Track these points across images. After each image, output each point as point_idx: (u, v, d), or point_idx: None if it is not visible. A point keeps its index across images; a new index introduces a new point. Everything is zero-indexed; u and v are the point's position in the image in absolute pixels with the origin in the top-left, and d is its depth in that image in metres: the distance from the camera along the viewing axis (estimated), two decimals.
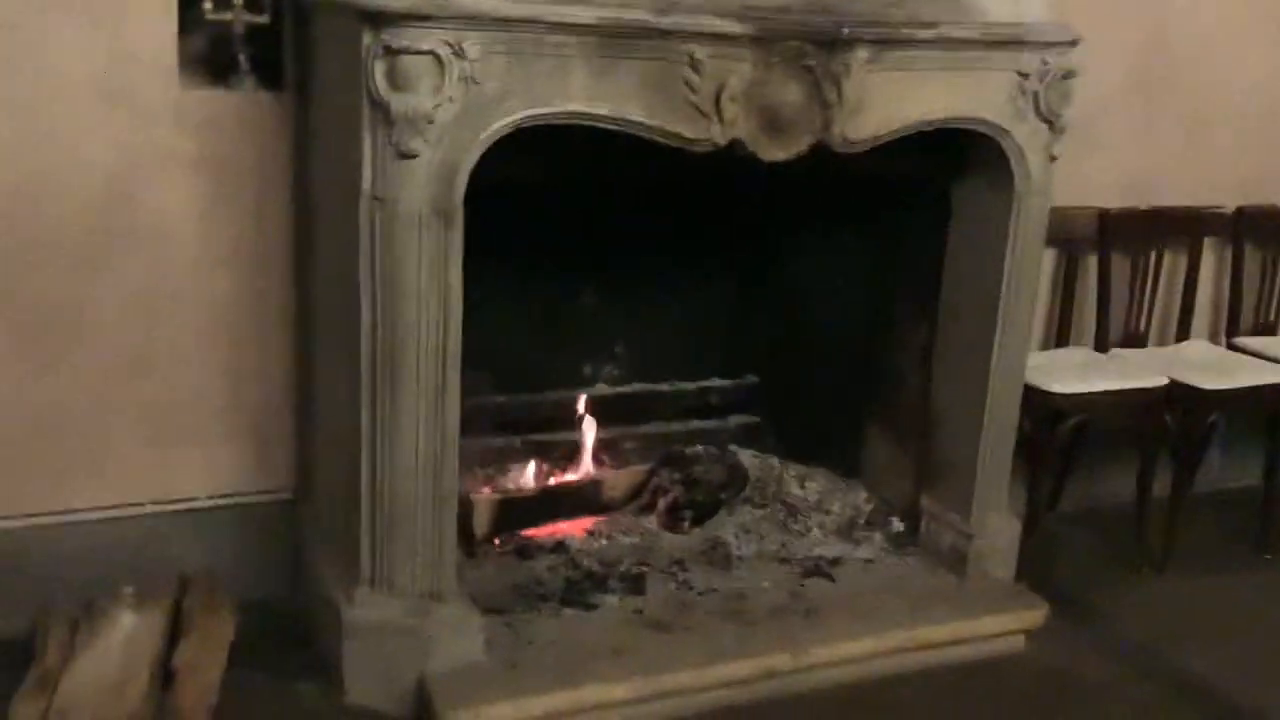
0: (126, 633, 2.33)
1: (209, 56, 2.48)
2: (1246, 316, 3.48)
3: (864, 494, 3.08)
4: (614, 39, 2.27)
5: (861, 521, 3.01)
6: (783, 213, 3.03)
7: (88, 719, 2.14)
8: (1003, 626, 2.74)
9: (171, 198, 2.48)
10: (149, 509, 2.58)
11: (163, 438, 2.57)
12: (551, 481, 3.04)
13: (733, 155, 2.42)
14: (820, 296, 3.18)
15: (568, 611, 2.60)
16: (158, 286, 2.50)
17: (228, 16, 2.46)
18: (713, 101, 2.36)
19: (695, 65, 2.33)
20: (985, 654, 2.70)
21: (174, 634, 2.39)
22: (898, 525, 2.99)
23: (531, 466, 3.04)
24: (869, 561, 2.89)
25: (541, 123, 2.27)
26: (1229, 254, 3.46)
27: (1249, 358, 3.32)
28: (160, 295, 2.51)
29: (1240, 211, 3.42)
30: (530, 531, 2.88)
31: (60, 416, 2.48)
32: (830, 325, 3.16)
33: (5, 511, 2.46)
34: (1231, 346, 3.42)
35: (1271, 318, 3.51)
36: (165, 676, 2.28)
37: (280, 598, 2.64)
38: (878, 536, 2.98)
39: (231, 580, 2.56)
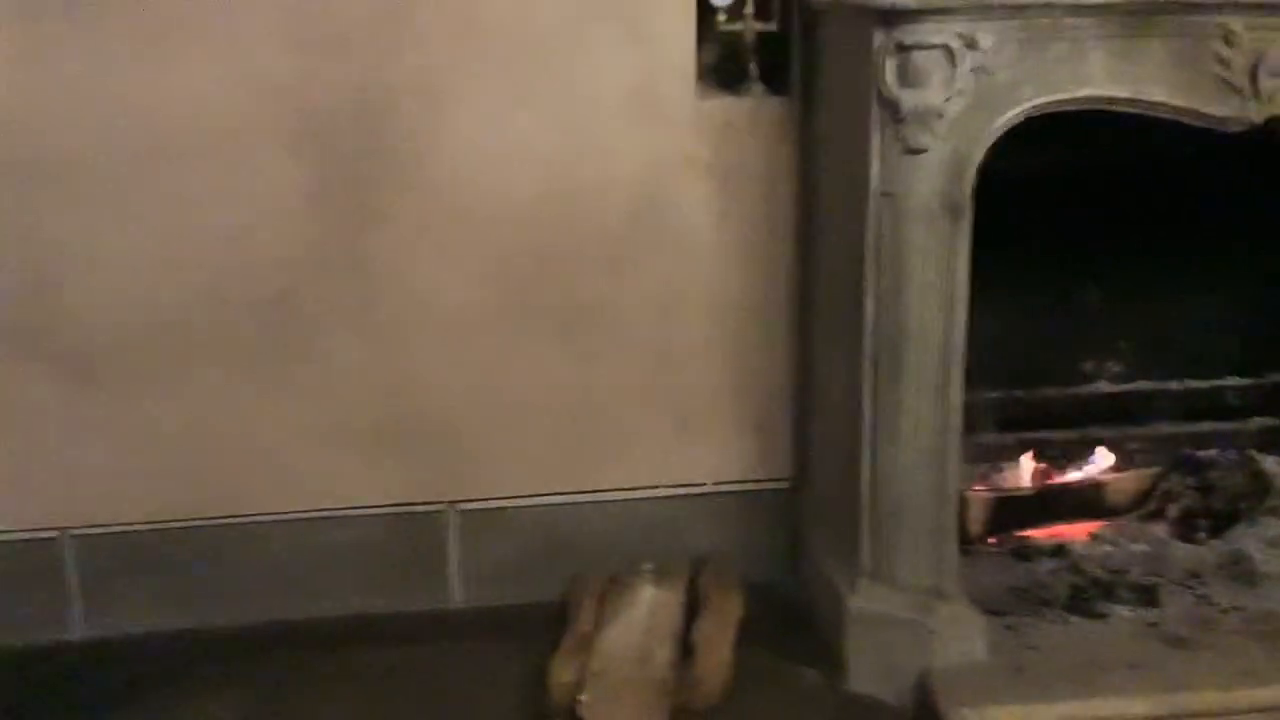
0: (649, 605, 2.52)
1: (721, 66, 2.62)
2: None
3: None
4: (1137, 18, 2.15)
5: None
6: None
7: (618, 681, 2.33)
8: None
9: (688, 202, 2.63)
10: (664, 492, 2.76)
11: (677, 427, 2.75)
12: (1050, 481, 2.93)
13: (1269, 135, 2.23)
14: None
15: (1074, 619, 2.49)
16: (675, 285, 2.67)
17: (739, 27, 2.58)
18: (1248, 77, 2.18)
19: (1230, 39, 2.16)
20: None
21: (689, 609, 2.55)
22: None
23: (1029, 464, 2.94)
24: None
25: (1055, 110, 2.20)
26: None
27: None
28: (677, 293, 2.68)
29: None
30: (1027, 532, 2.80)
31: (592, 403, 2.71)
32: None
33: (546, 489, 2.73)
34: None
35: None
36: (684, 648, 2.43)
37: (780, 581, 2.75)
38: None
39: (738, 561, 2.70)
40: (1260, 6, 2.16)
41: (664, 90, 2.57)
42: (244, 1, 2.46)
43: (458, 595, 2.75)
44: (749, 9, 2.56)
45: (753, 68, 2.61)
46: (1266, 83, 2.19)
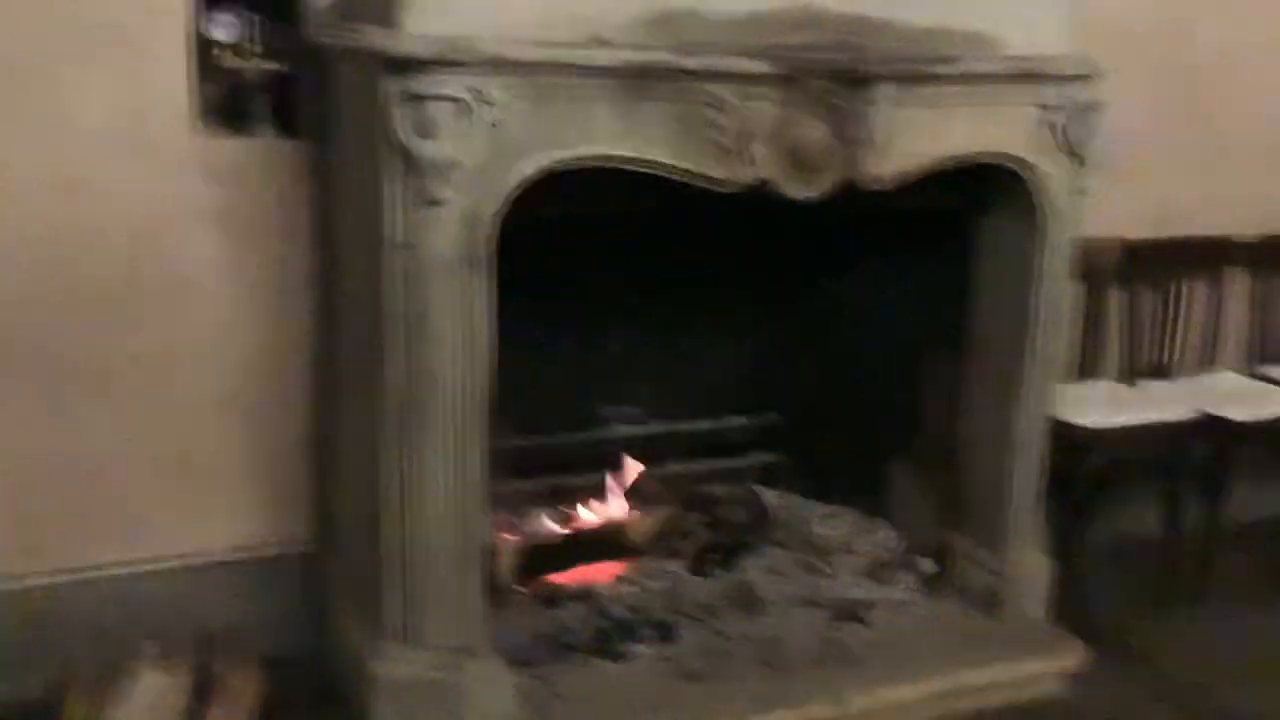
0: (151, 694, 2.28)
1: (226, 104, 2.46)
2: (1272, 345, 3.44)
3: (892, 533, 3.03)
4: (638, 81, 2.25)
5: (891, 562, 2.96)
6: (807, 248, 3.00)
7: None
8: (1042, 669, 2.69)
9: (192, 248, 2.45)
10: (170, 564, 2.53)
11: (185, 492, 2.54)
12: (576, 526, 2.99)
13: (758, 194, 2.40)
14: (844, 331, 3.14)
15: (598, 662, 2.55)
16: (180, 338, 2.47)
17: (244, 64, 2.43)
18: (739, 142, 2.33)
19: (721, 106, 2.30)
20: (1026, 697, 2.64)
21: (200, 693, 2.33)
22: (928, 566, 2.94)
23: (555, 510, 2.99)
24: (901, 604, 2.84)
25: (567, 166, 2.24)
26: (1253, 283, 3.43)
27: (1276, 387, 3.28)
28: (182, 347, 2.48)
29: (1264, 240, 3.39)
30: (556, 577, 2.84)
31: (82, 470, 2.44)
32: (854, 360, 3.13)
33: (26, 569, 2.42)
34: (1258, 376, 3.38)
35: None
36: None
37: (305, 652, 2.59)
38: (908, 577, 2.92)
39: (255, 635, 2.51)
40: (748, 77, 2.32)
41: (158, 128, 2.38)
42: None
43: None
44: (255, 46, 2.42)
45: (260, 107, 2.47)
46: (756, 148, 2.36)
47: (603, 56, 2.22)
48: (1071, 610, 2.86)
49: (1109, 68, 2.59)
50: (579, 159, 2.25)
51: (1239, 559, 3.26)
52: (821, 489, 3.18)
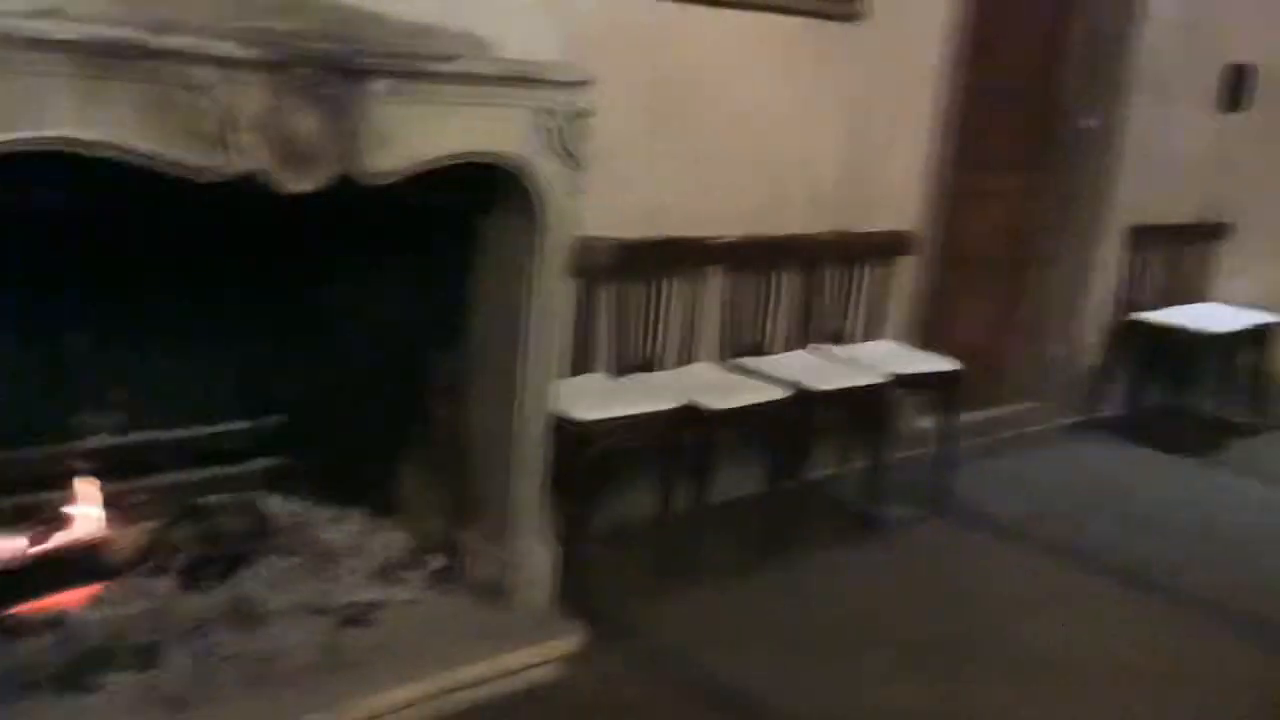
0: None
1: None
2: (744, 338, 3.77)
3: (402, 533, 3.00)
4: (103, 59, 2.04)
5: (400, 562, 2.93)
6: (311, 243, 2.88)
7: None
8: (543, 655, 2.77)
9: None
10: None
11: None
12: (42, 547, 2.69)
13: (251, 185, 2.26)
14: (350, 330, 3.07)
15: (67, 697, 2.31)
16: None
17: None
18: (224, 130, 2.19)
19: (200, 90, 2.15)
20: (528, 684, 2.71)
21: None
22: (438, 562, 2.94)
23: (18, 532, 2.67)
24: (410, 603, 2.81)
25: (18, 150, 1.99)
26: (727, 280, 3.73)
27: (747, 377, 3.60)
28: None
29: (740, 241, 3.69)
30: (20, 607, 2.53)
31: None
32: (362, 359, 3.06)
33: None
34: (732, 367, 3.69)
35: (766, 339, 3.83)
36: None
37: None
38: (418, 576, 2.91)
39: None
40: (229, 61, 2.18)
41: None
42: None
43: None
44: None
45: None
46: (243, 137, 2.22)
47: (61, 30, 2.00)
48: (576, 595, 2.97)
49: (600, 77, 2.70)
50: (34, 141, 2.01)
51: (724, 535, 3.54)
52: (332, 493, 3.08)
